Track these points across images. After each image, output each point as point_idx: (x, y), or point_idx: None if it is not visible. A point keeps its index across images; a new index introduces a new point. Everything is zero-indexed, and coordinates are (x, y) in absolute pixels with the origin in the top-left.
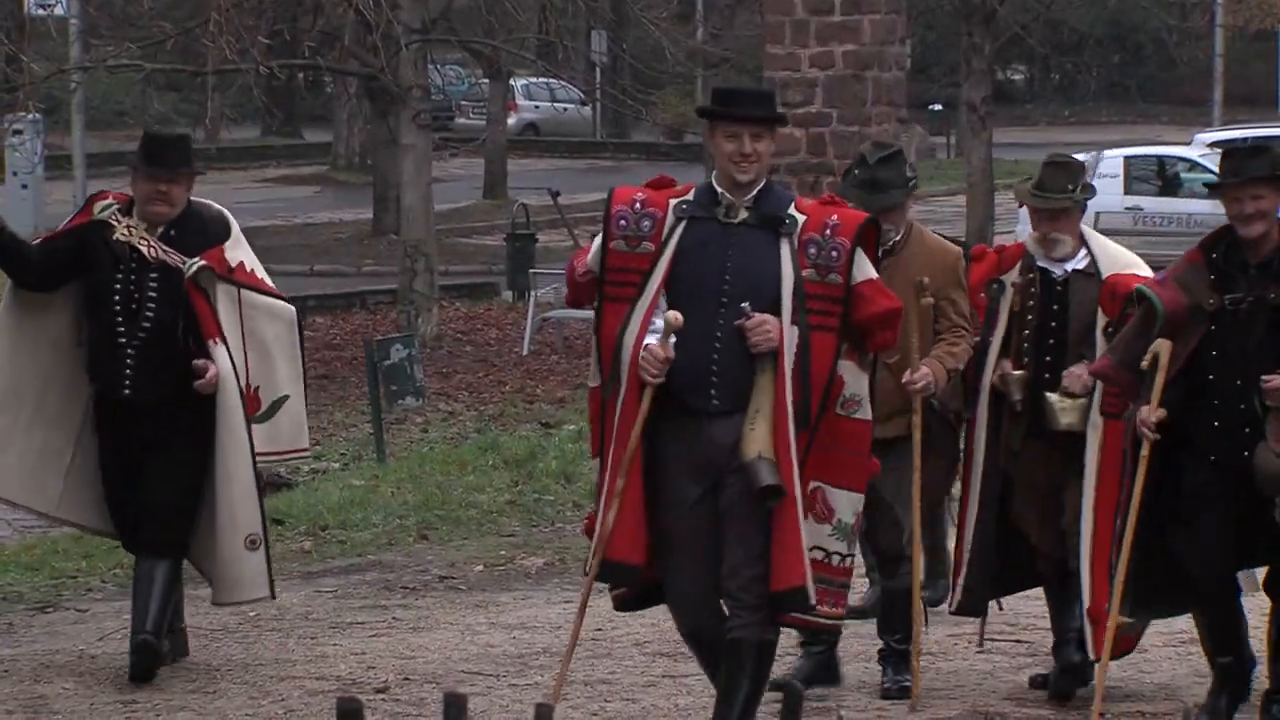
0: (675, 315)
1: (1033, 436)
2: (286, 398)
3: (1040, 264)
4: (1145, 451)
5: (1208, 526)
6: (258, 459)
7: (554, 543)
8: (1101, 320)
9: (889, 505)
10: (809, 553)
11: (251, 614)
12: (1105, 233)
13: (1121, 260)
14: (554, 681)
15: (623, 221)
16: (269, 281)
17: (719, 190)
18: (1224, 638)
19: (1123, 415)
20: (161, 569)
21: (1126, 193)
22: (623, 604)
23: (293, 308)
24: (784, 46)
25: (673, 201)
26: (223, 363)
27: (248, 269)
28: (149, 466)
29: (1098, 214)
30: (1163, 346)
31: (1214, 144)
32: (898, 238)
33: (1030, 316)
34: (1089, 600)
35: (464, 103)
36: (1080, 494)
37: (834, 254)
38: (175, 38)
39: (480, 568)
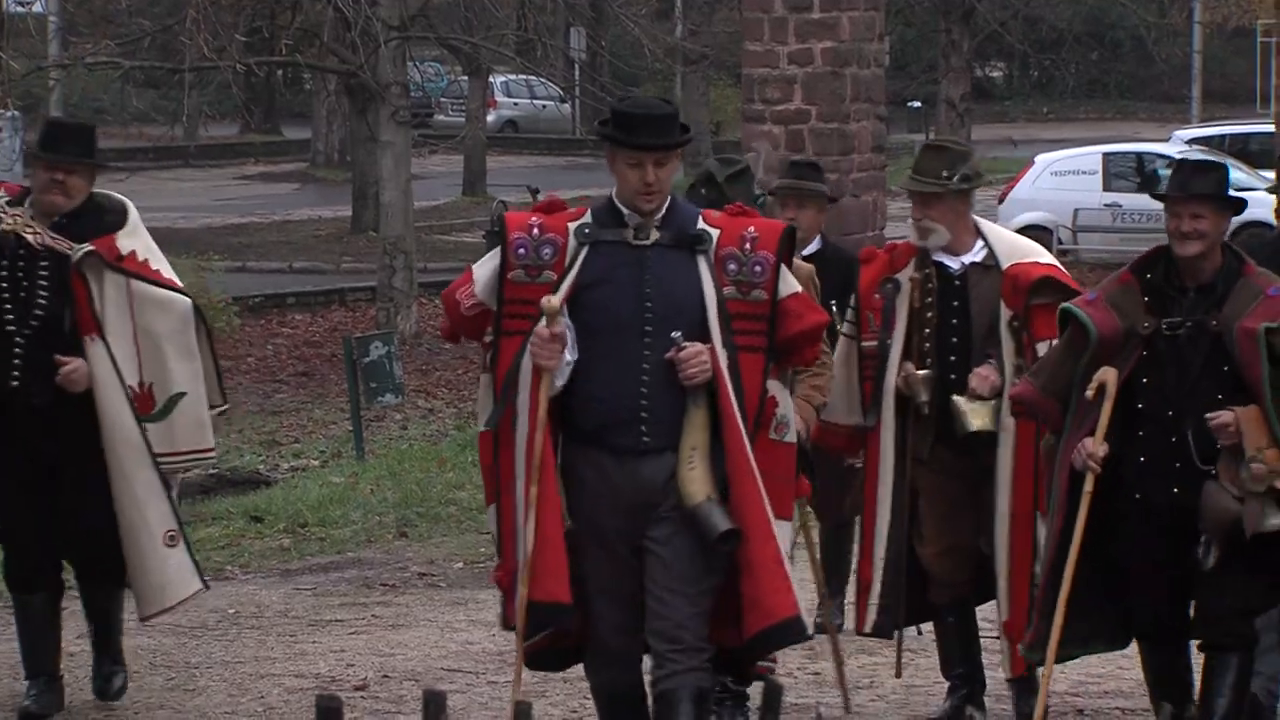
0: (549, 299)
1: (941, 443)
2: (183, 395)
3: (936, 259)
4: (1089, 488)
5: (1143, 575)
6: (159, 461)
7: None
8: (1006, 314)
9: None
10: None
11: (231, 611)
12: (1084, 230)
13: (1020, 249)
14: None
15: (521, 250)
16: (166, 273)
17: (624, 210)
18: (1167, 683)
19: (1044, 440)
20: (116, 597)
21: (1105, 189)
22: (537, 659)
23: (189, 300)
24: (762, 43)
25: (572, 225)
26: (99, 360)
27: (140, 258)
28: (67, 485)
29: (1076, 210)
30: (1109, 375)
31: (1192, 141)
32: None
33: (930, 314)
34: (1006, 614)
35: (443, 100)
36: (993, 503)
37: (757, 269)
38: (153, 35)
39: (459, 565)
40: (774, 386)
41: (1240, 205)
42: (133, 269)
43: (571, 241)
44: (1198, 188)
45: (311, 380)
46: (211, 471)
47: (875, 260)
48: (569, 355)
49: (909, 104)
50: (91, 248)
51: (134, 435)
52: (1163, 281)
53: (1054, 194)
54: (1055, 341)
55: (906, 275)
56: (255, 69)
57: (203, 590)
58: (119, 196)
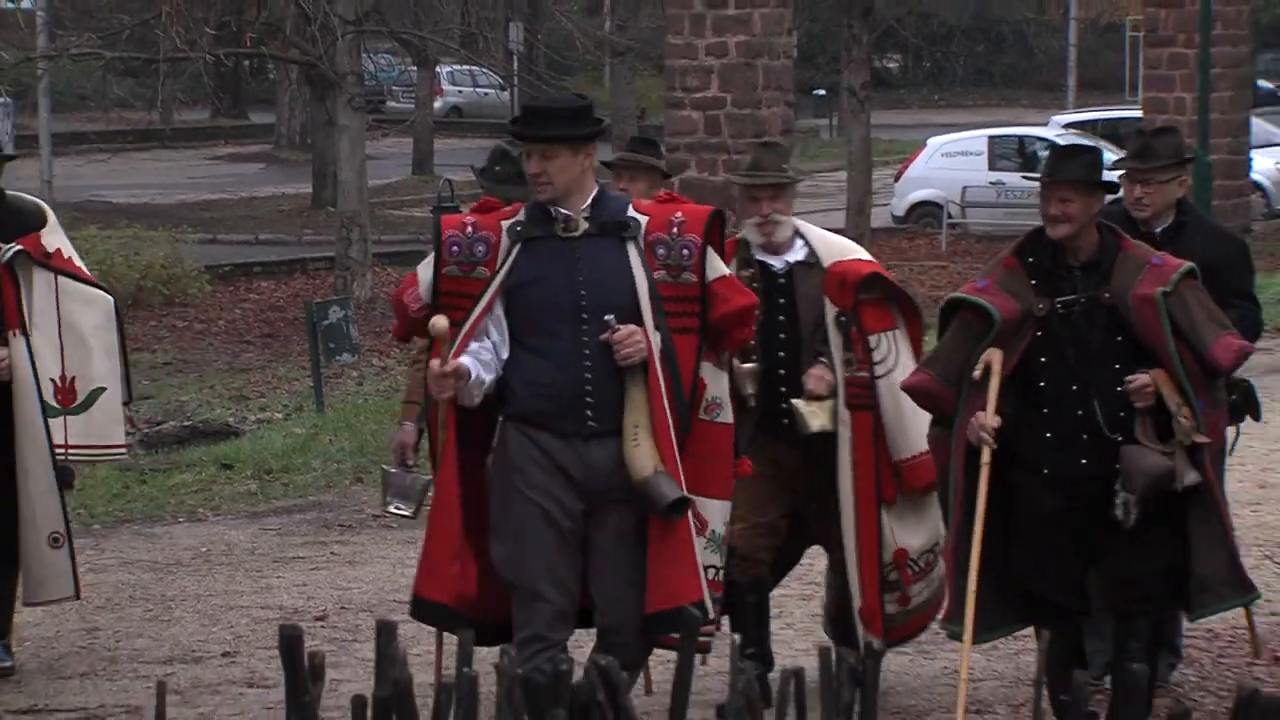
0: (439, 319)
1: (762, 433)
2: (103, 390)
3: (759, 258)
4: (986, 459)
5: (1051, 544)
6: (73, 453)
7: None
8: (832, 310)
9: None
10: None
11: (203, 549)
12: (971, 205)
13: (838, 248)
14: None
15: (455, 247)
16: (86, 270)
17: (551, 207)
18: (1065, 666)
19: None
20: (10, 576)
21: (990, 169)
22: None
23: (111, 298)
24: (683, 37)
25: (504, 224)
26: (19, 357)
27: (65, 255)
28: None
29: (964, 188)
30: (994, 355)
31: (1069, 125)
32: None
33: (757, 314)
34: (860, 601)
35: (394, 88)
36: (837, 496)
37: (685, 252)
38: (132, 29)
39: None
40: (707, 369)
41: (1111, 187)
42: (60, 265)
43: (504, 239)
44: (1065, 173)
45: (276, 341)
46: (185, 423)
47: None
48: (487, 375)
49: (814, 92)
50: (20, 246)
51: (40, 434)
52: (1049, 263)
53: (944, 173)
54: (949, 331)
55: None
56: (224, 59)
57: (72, 599)
58: (30, 197)
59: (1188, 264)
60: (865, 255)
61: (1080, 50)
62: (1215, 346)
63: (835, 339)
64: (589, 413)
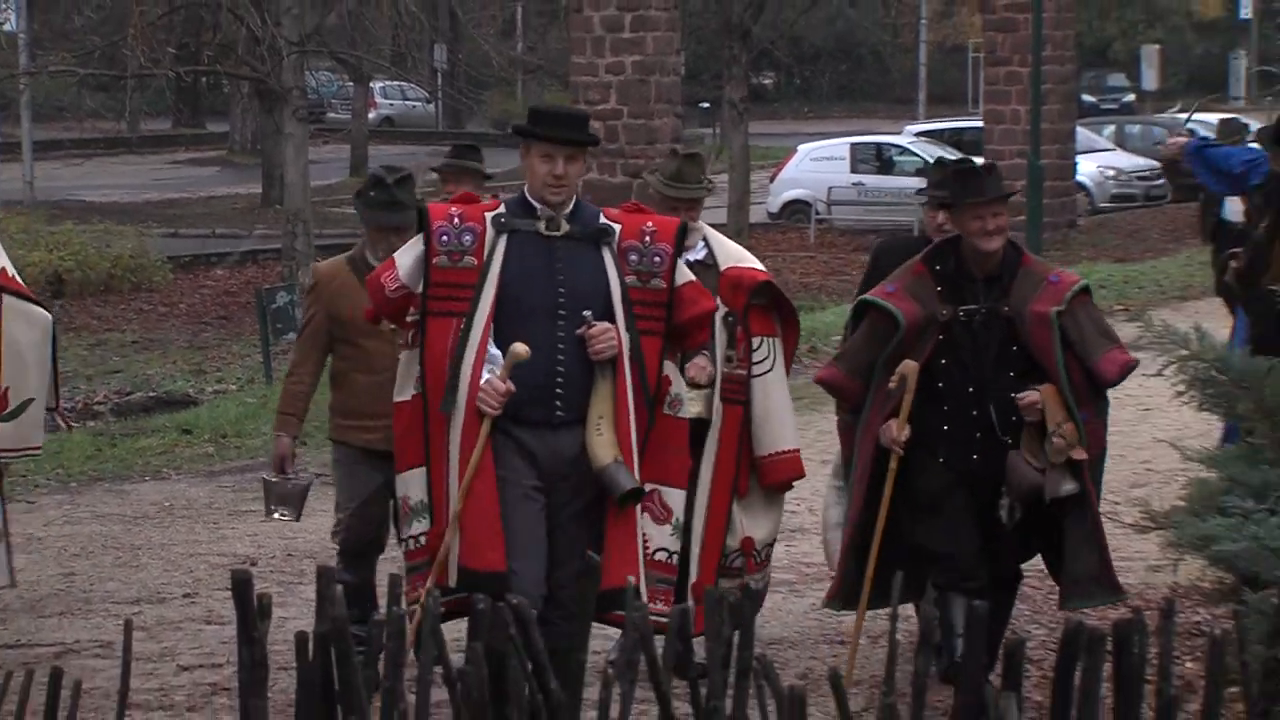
0: (522, 348)
1: None
2: (32, 400)
3: None
4: (894, 465)
5: (953, 508)
6: None
7: None
8: (721, 310)
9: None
10: (654, 554)
11: (166, 504)
12: (836, 204)
13: (735, 254)
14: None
15: (444, 237)
16: (26, 289)
17: (535, 204)
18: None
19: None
20: None
21: (852, 171)
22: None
23: (50, 316)
24: (585, 57)
25: (489, 215)
26: None
27: (10, 274)
28: None
29: (830, 188)
30: (909, 368)
31: (920, 133)
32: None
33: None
34: (695, 576)
35: (333, 100)
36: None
37: (656, 260)
38: (103, 49)
39: None
40: (669, 367)
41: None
42: (4, 283)
43: (489, 230)
44: (995, 190)
45: (230, 322)
46: (151, 394)
47: None
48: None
49: (700, 105)
50: None
51: None
52: (954, 272)
53: (813, 175)
54: (858, 330)
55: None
56: (184, 76)
57: (9, 587)
58: None
59: (1082, 281)
60: (759, 265)
61: (929, 69)
62: (1102, 361)
63: (720, 336)
64: (558, 404)
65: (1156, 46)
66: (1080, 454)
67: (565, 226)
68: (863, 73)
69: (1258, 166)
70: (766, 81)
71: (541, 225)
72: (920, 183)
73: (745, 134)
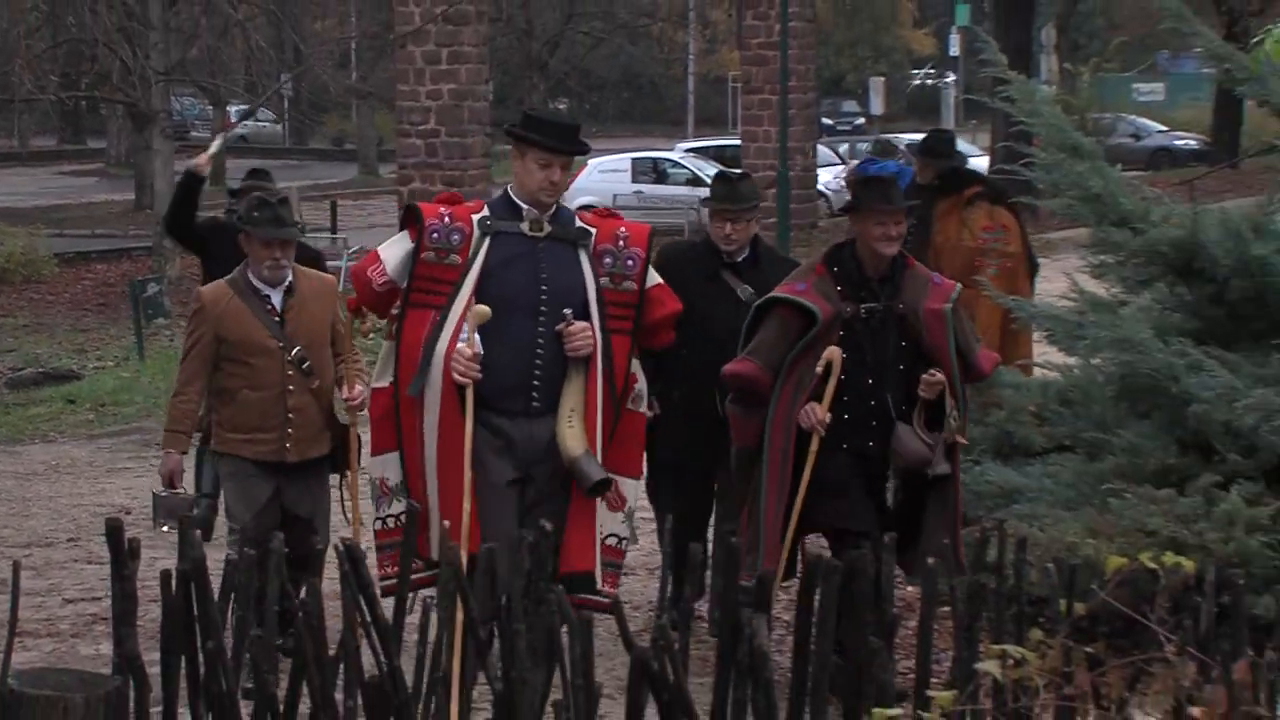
0: (483, 309)
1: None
2: None
3: None
4: (815, 447)
5: (856, 489)
6: None
7: None
8: None
9: (307, 519)
10: (605, 539)
11: (53, 463)
12: (620, 208)
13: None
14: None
15: (435, 234)
16: None
17: (522, 206)
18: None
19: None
20: None
21: (633, 181)
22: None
23: None
24: (409, 85)
25: (475, 217)
26: None
27: None
28: None
29: (615, 195)
30: (834, 354)
31: (689, 149)
32: (291, 278)
33: None
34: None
35: (195, 121)
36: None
37: (630, 263)
38: None
39: None
40: (635, 365)
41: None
42: None
43: (475, 231)
44: (899, 199)
45: (108, 309)
46: (40, 369)
47: None
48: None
49: (506, 125)
50: None
51: None
52: (852, 273)
53: (600, 185)
54: (767, 326)
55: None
56: (66, 100)
57: None
58: None
59: (958, 285)
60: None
61: (696, 96)
62: (980, 357)
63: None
64: (534, 395)
65: (882, 78)
66: (963, 439)
67: (547, 228)
68: (641, 99)
69: (900, 179)
70: (561, 106)
71: (525, 226)
72: (690, 191)
73: None
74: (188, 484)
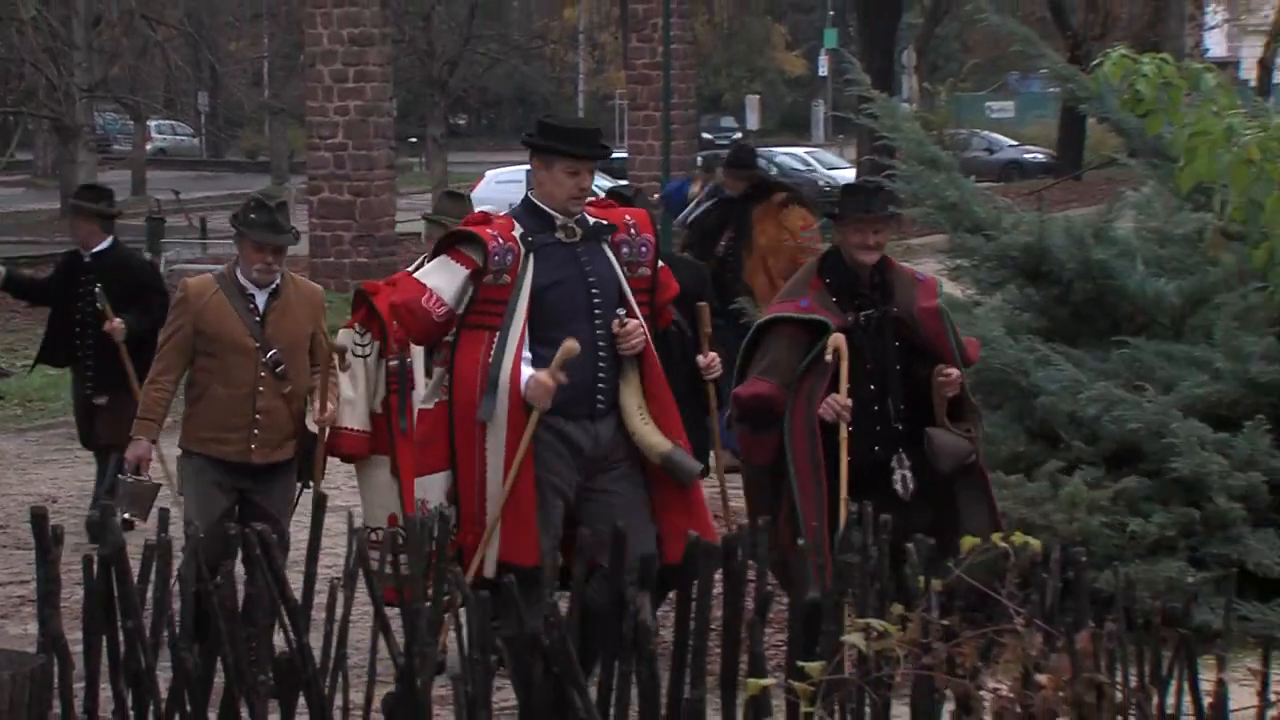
0: (574, 344)
1: None
2: None
3: None
4: (845, 435)
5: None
6: None
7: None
8: None
9: (276, 517)
10: None
11: None
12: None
13: None
14: None
15: (496, 258)
16: None
17: (551, 213)
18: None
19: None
20: None
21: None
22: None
23: None
24: (318, 101)
25: (516, 233)
26: None
27: None
28: None
29: (510, 205)
30: (839, 341)
31: None
32: (279, 281)
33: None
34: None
35: (117, 135)
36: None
37: (643, 250)
38: None
39: None
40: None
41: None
42: None
43: (521, 249)
44: (880, 208)
45: (36, 310)
46: None
47: (382, 291)
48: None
49: (409, 139)
50: None
51: None
52: (846, 281)
53: (498, 195)
54: (774, 345)
55: None
56: None
57: None
58: None
59: (940, 281)
60: None
61: (586, 113)
62: (968, 348)
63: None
64: (599, 397)
65: (757, 96)
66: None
67: (579, 232)
68: (535, 115)
69: (678, 192)
70: (461, 121)
71: (561, 235)
72: None
73: (444, 162)
74: (158, 473)
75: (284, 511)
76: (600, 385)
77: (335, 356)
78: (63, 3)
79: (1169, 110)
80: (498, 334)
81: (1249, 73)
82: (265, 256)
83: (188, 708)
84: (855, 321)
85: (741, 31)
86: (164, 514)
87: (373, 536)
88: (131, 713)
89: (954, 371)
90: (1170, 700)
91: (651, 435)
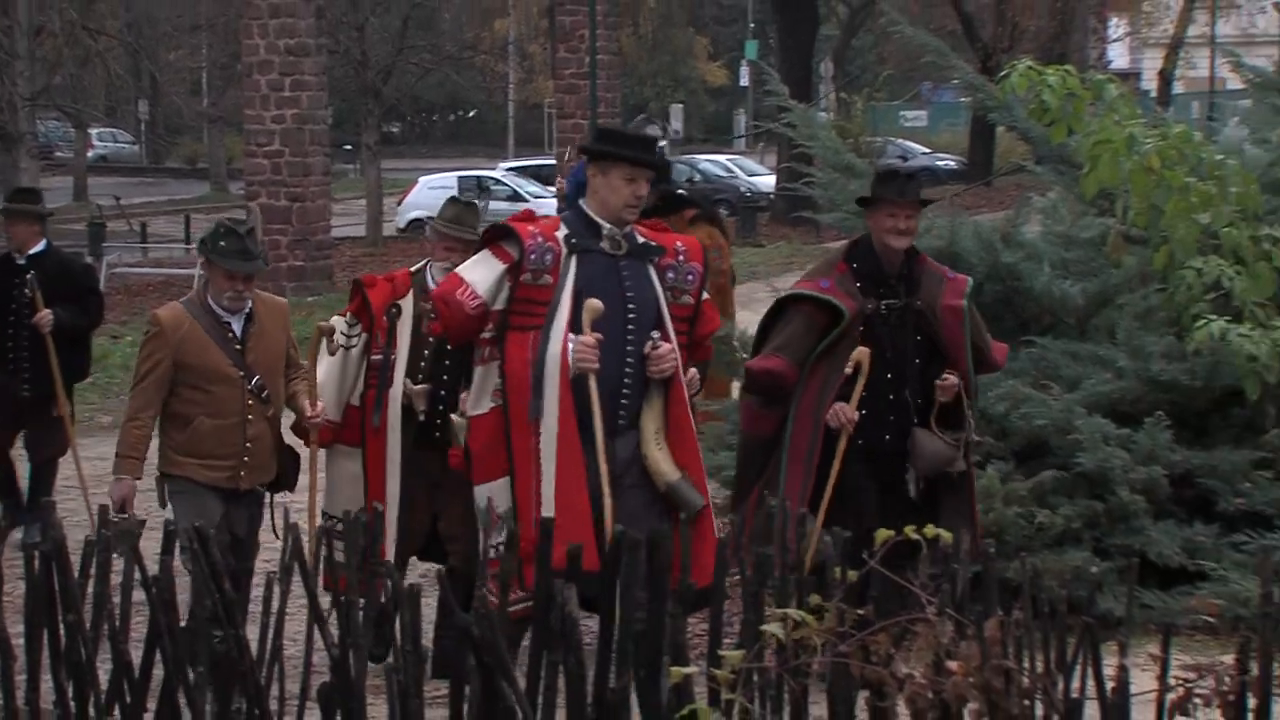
0: (596, 304)
1: (430, 450)
2: None
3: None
4: (844, 445)
5: (866, 502)
6: None
7: (111, 402)
8: None
9: (244, 539)
10: None
11: None
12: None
13: None
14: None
15: (534, 256)
16: None
17: (602, 224)
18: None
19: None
20: None
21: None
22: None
23: None
24: (255, 110)
25: (560, 235)
26: None
27: None
28: None
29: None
30: (863, 355)
31: (510, 168)
32: (252, 305)
33: (431, 340)
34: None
35: (59, 142)
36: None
37: (689, 277)
38: None
39: None
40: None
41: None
42: None
43: (563, 250)
44: (913, 194)
45: None
46: None
47: (379, 285)
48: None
49: (344, 146)
50: None
51: None
52: (872, 269)
53: (430, 199)
54: (793, 323)
55: (409, 303)
56: None
57: None
58: None
59: (971, 280)
60: None
61: (516, 120)
62: (994, 351)
63: None
64: (621, 413)
65: (681, 105)
66: (977, 437)
67: (625, 246)
68: (467, 123)
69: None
70: (394, 129)
71: (607, 245)
72: (510, 206)
73: (378, 169)
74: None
75: (252, 530)
76: (623, 402)
77: (324, 339)
78: (4, 13)
79: (1073, 119)
80: (541, 333)
81: (1150, 84)
82: (236, 284)
83: (127, 699)
84: (876, 309)
85: (665, 43)
86: (103, 509)
87: (337, 527)
88: (72, 704)
89: (951, 379)
90: (1075, 685)
91: (662, 462)
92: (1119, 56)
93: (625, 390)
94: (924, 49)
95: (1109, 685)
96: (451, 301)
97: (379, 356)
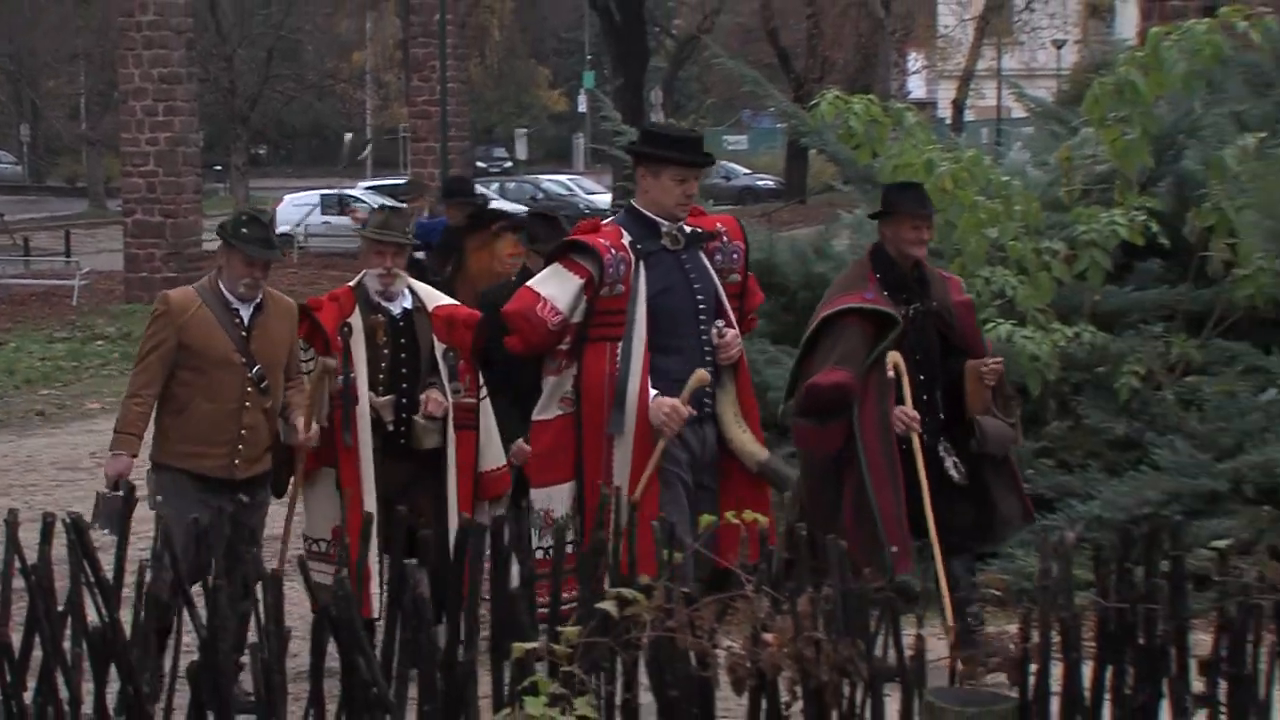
0: (704, 374)
1: (398, 459)
2: None
3: (383, 305)
4: (917, 445)
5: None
6: None
7: (94, 396)
8: (440, 346)
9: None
10: None
11: None
12: (311, 235)
13: (436, 297)
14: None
15: (610, 270)
16: None
17: (658, 221)
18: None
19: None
20: None
21: (322, 214)
22: None
23: None
24: (131, 133)
25: (626, 242)
26: None
27: None
28: None
29: (306, 225)
30: (897, 358)
31: (369, 187)
32: (263, 297)
33: (386, 352)
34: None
35: None
36: (443, 499)
37: (734, 256)
38: None
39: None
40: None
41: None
42: None
43: (632, 257)
44: (928, 207)
45: None
46: None
47: (325, 307)
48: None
49: (214, 167)
50: None
51: None
52: (896, 277)
53: (295, 215)
54: (845, 336)
55: (358, 319)
56: None
57: None
58: None
59: (963, 280)
60: (450, 300)
61: (375, 143)
62: (986, 342)
63: (443, 370)
64: (707, 400)
65: (525, 130)
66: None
67: (681, 239)
68: (328, 146)
69: (436, 229)
70: (261, 152)
71: (666, 241)
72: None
73: (247, 187)
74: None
75: (262, 523)
76: (709, 389)
77: (327, 375)
78: None
79: (876, 143)
80: (620, 345)
81: (945, 112)
82: (254, 271)
83: (8, 678)
84: (906, 314)
85: (510, 73)
86: (45, 516)
87: (314, 548)
88: None
89: (994, 363)
90: (878, 653)
91: (750, 443)
92: (917, 87)
93: (711, 379)
94: (743, 80)
95: (908, 654)
96: (532, 318)
97: (340, 377)
